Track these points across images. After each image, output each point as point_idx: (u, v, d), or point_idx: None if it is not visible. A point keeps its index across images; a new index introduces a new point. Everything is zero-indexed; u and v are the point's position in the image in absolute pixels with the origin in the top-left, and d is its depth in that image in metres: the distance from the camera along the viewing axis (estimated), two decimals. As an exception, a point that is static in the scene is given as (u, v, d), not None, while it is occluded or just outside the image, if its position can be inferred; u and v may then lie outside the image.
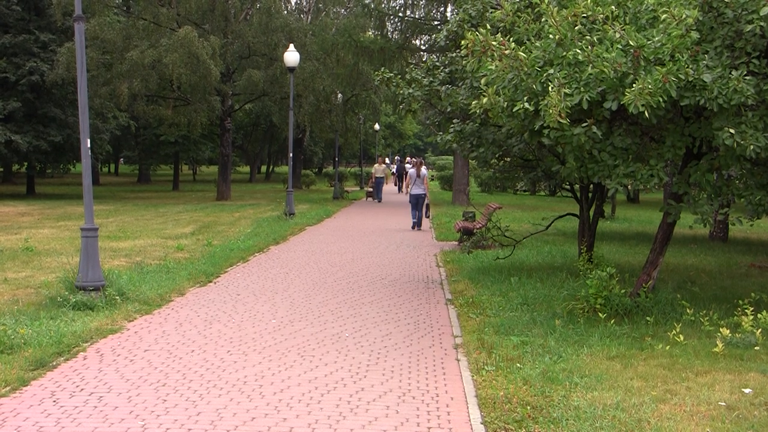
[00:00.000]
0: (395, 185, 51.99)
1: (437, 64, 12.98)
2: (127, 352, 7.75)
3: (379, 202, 35.98)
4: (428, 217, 23.90)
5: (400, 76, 12.77)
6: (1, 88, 31.97)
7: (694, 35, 7.50)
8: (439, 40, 12.60)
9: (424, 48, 34.89)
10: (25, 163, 35.47)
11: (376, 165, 38.38)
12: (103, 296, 9.68)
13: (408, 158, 63.63)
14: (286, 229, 20.42)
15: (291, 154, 26.80)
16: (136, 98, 31.96)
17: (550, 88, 7.50)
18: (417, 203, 22.32)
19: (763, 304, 9.04)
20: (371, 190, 38.26)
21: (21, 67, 31.66)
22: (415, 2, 33.57)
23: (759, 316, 8.11)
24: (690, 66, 7.44)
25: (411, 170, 23.13)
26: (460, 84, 11.99)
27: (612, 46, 7.45)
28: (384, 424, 5.73)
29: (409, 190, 22.51)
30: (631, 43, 7.42)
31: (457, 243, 18.13)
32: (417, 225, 22.37)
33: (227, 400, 6.24)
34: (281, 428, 5.64)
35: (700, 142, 8.68)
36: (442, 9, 33.37)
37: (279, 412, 5.96)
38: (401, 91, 12.30)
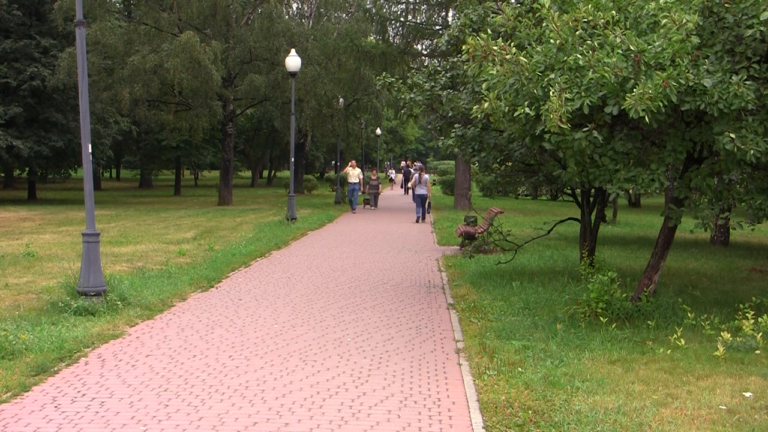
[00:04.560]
0: (401, 187, 52.94)
1: (439, 68, 13.01)
2: (129, 357, 7.75)
3: (353, 211, 31.98)
4: (429, 212, 28.85)
5: (401, 81, 12.81)
6: (2, 93, 32.01)
7: (695, 40, 7.51)
8: (440, 44, 12.63)
9: (425, 53, 34.92)
10: (27, 169, 35.50)
11: (348, 168, 32.67)
12: (104, 301, 9.68)
13: (403, 162, 64.58)
14: (288, 234, 20.43)
15: (293, 159, 26.82)
16: (137, 103, 31.98)
17: (551, 93, 7.51)
18: (421, 201, 27.60)
19: (764, 308, 9.04)
20: (368, 197, 34.98)
21: (22, 72, 31.71)
22: (417, 7, 33.61)
23: (760, 320, 8.12)
24: (690, 71, 7.46)
25: (416, 174, 28.42)
26: (461, 89, 12.02)
27: (613, 51, 7.46)
28: (386, 429, 5.73)
29: (413, 190, 28.52)
30: (631, 47, 7.43)
31: (458, 247, 18.13)
32: (421, 219, 27.29)
33: (229, 405, 6.24)
34: (283, 433, 5.65)
35: (701, 146, 8.69)
36: (443, 14, 33.42)
37: (281, 417, 5.96)
38: (403, 96, 12.32)
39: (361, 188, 33.77)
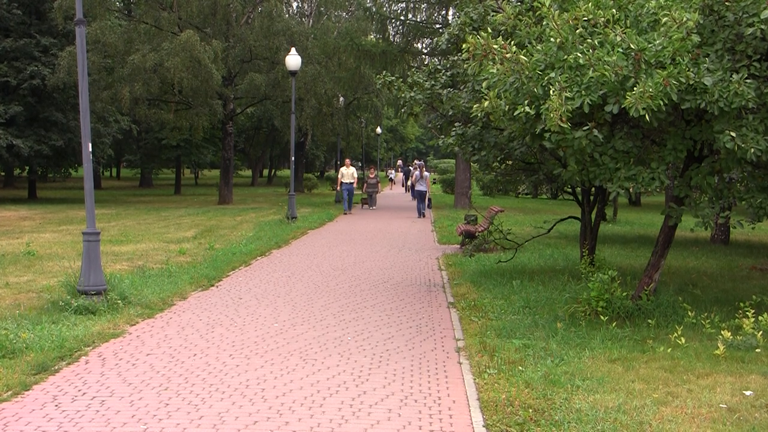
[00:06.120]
0: (402, 186, 54.77)
1: (439, 67, 13.00)
2: (129, 356, 7.75)
3: (347, 212, 30.25)
4: (429, 207, 30.44)
5: (401, 80, 12.79)
6: (2, 92, 32.01)
7: (695, 38, 7.51)
8: (440, 43, 12.62)
9: (425, 51, 34.91)
10: (27, 168, 35.50)
11: (343, 168, 30.97)
12: (105, 300, 9.68)
13: (399, 161, 65.20)
14: (288, 233, 20.43)
15: (293, 158, 26.83)
16: (137, 102, 31.97)
17: (551, 92, 7.51)
18: (421, 197, 29.26)
19: (764, 307, 9.04)
20: (365, 197, 34.39)
21: (22, 71, 31.71)
22: (417, 6, 33.59)
23: (760, 318, 8.12)
24: (691, 69, 7.45)
25: (416, 172, 30.14)
26: (461, 87, 12.01)
27: (613, 50, 7.46)
28: (386, 428, 5.73)
29: (411, 186, 31.47)
30: (632, 46, 7.42)
31: (459, 246, 18.13)
32: (421, 214, 28.75)
33: (229, 404, 6.24)
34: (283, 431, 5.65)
35: (701, 145, 8.69)
36: (443, 12, 33.40)
37: (281, 416, 5.97)
38: (403, 95, 12.31)
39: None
